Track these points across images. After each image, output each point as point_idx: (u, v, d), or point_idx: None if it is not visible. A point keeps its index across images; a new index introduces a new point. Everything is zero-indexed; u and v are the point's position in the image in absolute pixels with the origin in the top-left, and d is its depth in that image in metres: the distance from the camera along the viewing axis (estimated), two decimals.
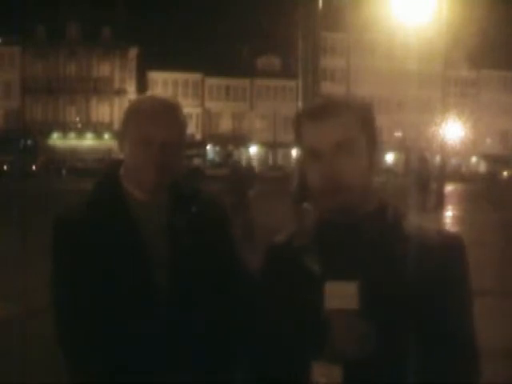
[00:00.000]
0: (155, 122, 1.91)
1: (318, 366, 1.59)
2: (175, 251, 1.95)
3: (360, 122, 1.67)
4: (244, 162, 16.97)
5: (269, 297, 1.76)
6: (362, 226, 1.67)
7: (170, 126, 1.93)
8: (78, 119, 66.85)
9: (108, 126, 65.63)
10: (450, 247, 1.66)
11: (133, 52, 67.71)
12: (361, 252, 1.64)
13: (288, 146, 58.47)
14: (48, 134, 66.15)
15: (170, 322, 1.89)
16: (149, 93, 2.13)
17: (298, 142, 1.72)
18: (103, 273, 1.86)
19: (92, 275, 1.86)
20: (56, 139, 66.55)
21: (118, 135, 2.01)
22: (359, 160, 1.66)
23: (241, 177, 13.99)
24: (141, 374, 1.85)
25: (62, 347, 1.91)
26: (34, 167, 55.14)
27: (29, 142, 64.35)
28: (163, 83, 67.57)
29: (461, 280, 1.66)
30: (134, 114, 1.96)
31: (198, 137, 71.21)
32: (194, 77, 69.88)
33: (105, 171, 2.07)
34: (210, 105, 71.64)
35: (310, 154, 1.67)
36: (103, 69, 68.09)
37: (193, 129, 71.55)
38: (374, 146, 1.70)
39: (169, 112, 1.94)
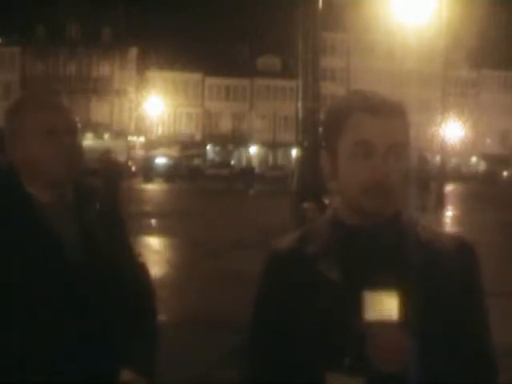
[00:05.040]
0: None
1: (335, 378, 1.50)
2: (91, 251, 1.95)
3: (408, 126, 1.63)
4: (244, 162, 17.57)
5: (277, 306, 1.63)
6: (384, 232, 1.59)
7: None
8: (77, 119, 66.77)
9: (108, 126, 65.61)
10: (468, 252, 1.63)
11: (133, 52, 67.69)
12: (386, 259, 1.56)
13: (288, 146, 58.41)
14: None
15: (85, 319, 1.89)
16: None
17: (338, 133, 1.58)
18: (20, 276, 1.83)
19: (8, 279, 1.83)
20: None
21: (7, 132, 1.95)
22: (406, 164, 1.59)
23: (112, 172, 15.63)
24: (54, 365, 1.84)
25: None
26: None
27: None
28: (163, 83, 67.54)
29: (481, 284, 1.64)
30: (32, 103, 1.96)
31: (198, 137, 71.21)
32: (193, 77, 69.86)
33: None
34: (210, 105, 71.62)
35: (359, 149, 1.54)
36: (103, 69, 68.07)
37: (193, 129, 71.58)
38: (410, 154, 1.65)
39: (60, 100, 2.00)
